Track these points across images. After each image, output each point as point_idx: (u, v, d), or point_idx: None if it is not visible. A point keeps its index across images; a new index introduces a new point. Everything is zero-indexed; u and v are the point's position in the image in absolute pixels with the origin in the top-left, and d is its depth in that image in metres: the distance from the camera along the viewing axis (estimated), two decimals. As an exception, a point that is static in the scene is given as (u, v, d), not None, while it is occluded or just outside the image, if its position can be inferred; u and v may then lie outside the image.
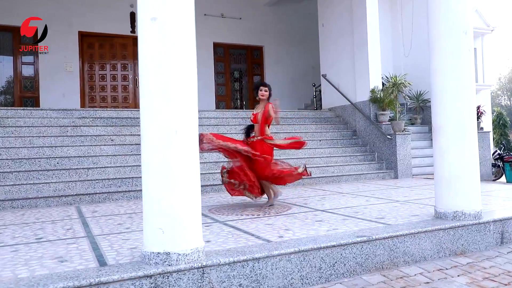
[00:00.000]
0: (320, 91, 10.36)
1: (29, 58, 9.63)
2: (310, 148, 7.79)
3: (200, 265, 2.44)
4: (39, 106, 9.04)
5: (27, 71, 9.65)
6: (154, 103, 2.46)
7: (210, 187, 6.08)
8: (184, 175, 2.49)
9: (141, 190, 5.67)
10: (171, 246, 2.42)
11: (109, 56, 10.40)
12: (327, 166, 7.36)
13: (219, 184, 6.10)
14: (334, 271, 2.84)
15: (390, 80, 8.07)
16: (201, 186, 6.13)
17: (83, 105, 9.92)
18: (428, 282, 2.74)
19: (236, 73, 12.86)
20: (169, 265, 2.39)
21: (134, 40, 10.57)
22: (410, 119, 9.63)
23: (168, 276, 2.37)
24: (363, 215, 3.95)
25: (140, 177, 5.95)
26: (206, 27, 11.31)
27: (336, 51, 9.29)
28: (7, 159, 5.61)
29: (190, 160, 2.52)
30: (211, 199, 5.46)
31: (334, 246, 2.85)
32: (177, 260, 2.40)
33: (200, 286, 2.44)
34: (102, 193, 5.40)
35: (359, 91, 8.52)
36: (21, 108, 6.90)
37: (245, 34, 11.93)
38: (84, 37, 10.13)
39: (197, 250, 2.47)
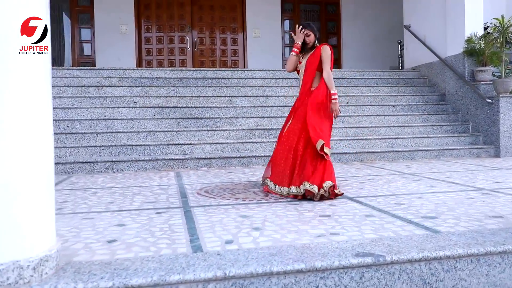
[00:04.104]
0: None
1: (86, 20, 9.30)
2: (377, 115, 6.16)
3: (18, 293, 1.34)
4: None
5: (84, 34, 9.35)
6: None
7: (237, 160, 4.93)
8: None
9: (152, 160, 4.77)
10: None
11: (166, 17, 9.65)
12: (398, 138, 5.70)
13: (248, 157, 4.95)
14: (300, 318, 1.53)
15: (495, 25, 5.95)
16: (227, 158, 5.07)
17: (138, 69, 9.37)
18: None
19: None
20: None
21: (192, -3, 9.70)
22: (526, 80, 7.28)
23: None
24: (406, 210, 2.47)
25: (155, 144, 5.05)
26: (272, -21, 9.95)
27: (423, -7, 7.30)
28: (13, 120, 5.09)
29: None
30: (230, 173, 4.32)
31: (301, 271, 1.53)
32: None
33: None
34: (105, 161, 4.59)
35: (451, 42, 6.52)
36: (46, 67, 6.42)
37: (318, -15, 10.29)
38: (140, -4, 9.50)
39: (18, 264, 1.36)
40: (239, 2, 10.02)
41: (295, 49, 3.26)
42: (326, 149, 2.91)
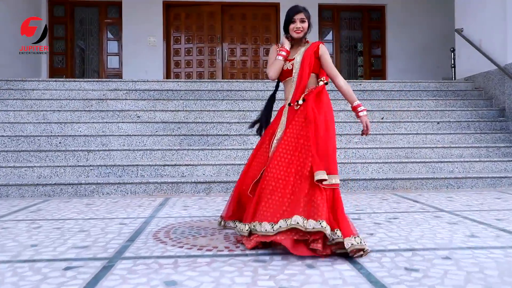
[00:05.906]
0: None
1: (114, 32, 9.11)
2: (417, 134, 5.18)
3: None
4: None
5: (112, 46, 9.16)
6: None
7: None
8: None
9: (143, 183, 4.18)
10: None
11: (196, 27, 9.23)
12: (442, 162, 4.70)
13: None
14: None
15: None
16: (230, 182, 4.03)
17: (166, 82, 9.00)
18: None
19: (359, 45, 10.38)
20: None
21: (223, 7, 9.22)
22: None
23: None
24: (417, 284, 1.62)
25: (150, 165, 4.47)
26: (308, -15, 9.24)
27: (478, -8, 6.25)
28: (3, 136, 4.74)
29: None
30: (225, 202, 3.60)
31: None
32: None
33: None
34: (90, 184, 4.06)
35: (512, 46, 5.44)
36: (53, 79, 6.10)
37: (360, -10, 9.45)
38: (169, 7, 9.17)
39: None
40: (273, 11, 9.40)
41: (283, 53, 2.48)
42: (333, 179, 2.10)
